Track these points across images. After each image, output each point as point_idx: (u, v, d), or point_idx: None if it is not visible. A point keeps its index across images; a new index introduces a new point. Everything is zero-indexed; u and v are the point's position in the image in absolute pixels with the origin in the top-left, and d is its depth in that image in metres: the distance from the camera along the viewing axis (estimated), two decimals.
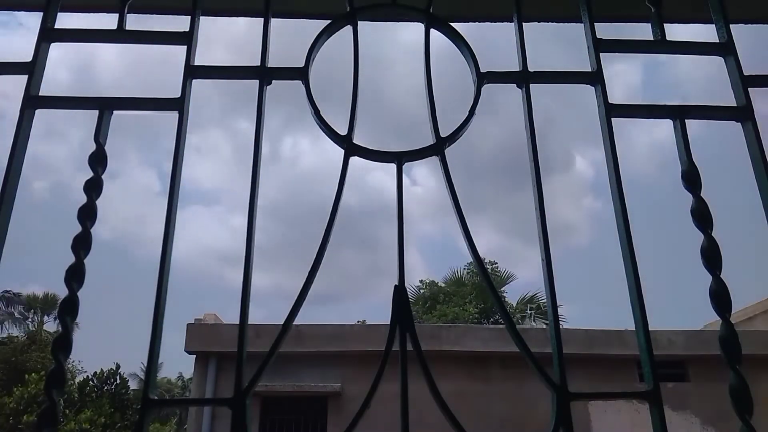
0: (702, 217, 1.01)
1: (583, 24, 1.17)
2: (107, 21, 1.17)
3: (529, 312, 21.03)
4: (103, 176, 1.03)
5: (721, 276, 0.97)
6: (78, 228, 0.98)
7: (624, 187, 1.03)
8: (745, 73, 1.11)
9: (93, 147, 1.04)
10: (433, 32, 1.18)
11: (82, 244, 0.97)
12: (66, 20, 1.16)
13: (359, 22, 1.17)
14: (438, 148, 1.07)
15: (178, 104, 1.06)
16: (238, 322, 0.94)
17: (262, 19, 1.17)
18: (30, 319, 28.13)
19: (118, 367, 21.13)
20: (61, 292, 0.92)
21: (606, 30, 1.16)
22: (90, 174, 1.02)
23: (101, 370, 20.99)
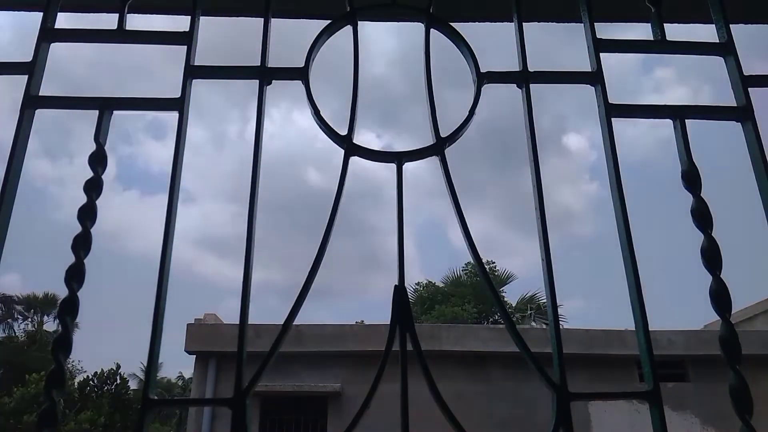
0: (702, 217, 1.01)
1: (583, 24, 1.17)
2: (107, 21, 1.17)
3: (529, 312, 21.04)
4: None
5: (721, 276, 0.97)
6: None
7: (624, 187, 1.03)
8: (745, 73, 1.11)
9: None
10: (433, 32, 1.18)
11: (82, 244, 0.97)
12: (66, 20, 1.16)
13: (359, 22, 1.17)
14: (438, 148, 1.07)
15: (178, 104, 1.06)
16: (238, 322, 0.94)
17: (262, 19, 1.17)
18: (30, 319, 28.12)
19: (118, 367, 21.14)
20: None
21: (606, 30, 1.16)
22: (89, 174, 1.02)
23: (101, 370, 21.00)
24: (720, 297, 0.96)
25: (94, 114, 1.06)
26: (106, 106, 1.07)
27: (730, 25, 1.16)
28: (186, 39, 1.12)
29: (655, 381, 0.91)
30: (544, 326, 17.35)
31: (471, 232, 1.02)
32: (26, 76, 1.06)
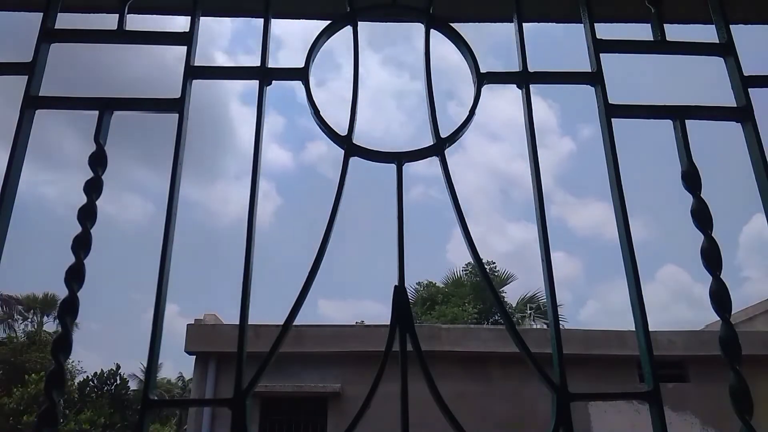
0: (702, 217, 1.01)
1: (583, 24, 1.17)
2: (107, 21, 1.17)
3: (528, 312, 21.03)
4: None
5: (721, 276, 0.97)
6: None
7: (624, 187, 1.03)
8: (745, 74, 1.11)
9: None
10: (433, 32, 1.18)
11: (82, 245, 0.97)
12: (66, 20, 1.16)
13: (359, 22, 1.17)
14: (438, 148, 1.07)
15: (178, 105, 1.06)
16: (237, 323, 0.94)
17: (262, 20, 1.17)
18: (29, 320, 28.09)
19: (118, 367, 21.14)
20: None
21: (606, 30, 1.16)
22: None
23: (101, 370, 21.00)
24: (720, 297, 0.95)
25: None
26: (106, 107, 1.07)
27: (730, 26, 1.16)
28: (186, 39, 1.12)
29: (655, 381, 0.91)
30: (545, 326, 17.36)
31: (471, 233, 1.02)
32: (26, 77, 1.06)
